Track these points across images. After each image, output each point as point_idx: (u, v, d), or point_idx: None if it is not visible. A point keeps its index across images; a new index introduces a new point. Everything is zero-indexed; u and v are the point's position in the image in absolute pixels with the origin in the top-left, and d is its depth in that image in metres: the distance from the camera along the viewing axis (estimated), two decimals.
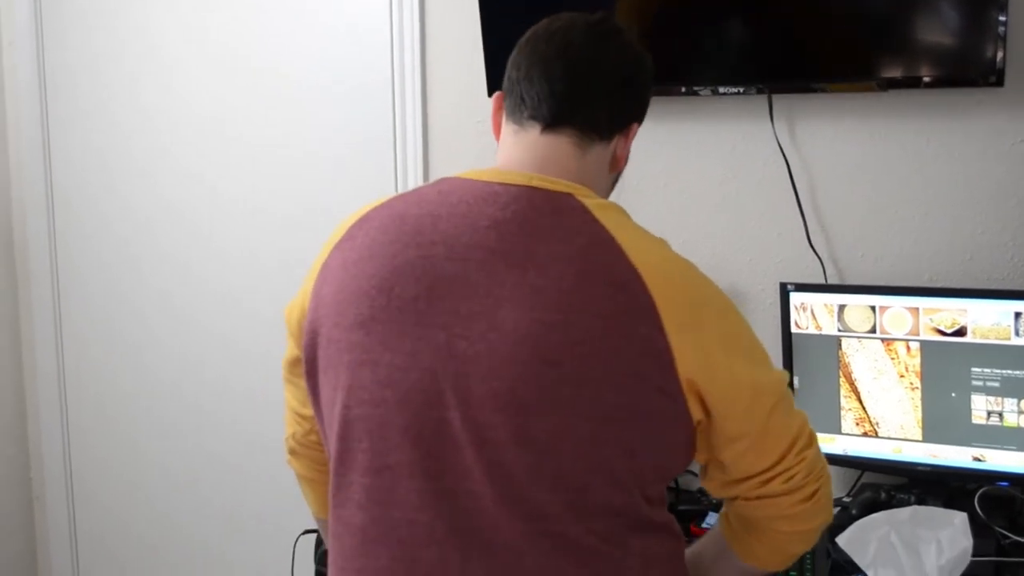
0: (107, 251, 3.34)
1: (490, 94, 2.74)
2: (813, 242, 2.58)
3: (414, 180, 2.92)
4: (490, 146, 2.77)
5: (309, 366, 1.60)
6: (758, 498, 1.55)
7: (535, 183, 1.51)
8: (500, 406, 1.41)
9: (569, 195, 1.50)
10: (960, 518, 1.93)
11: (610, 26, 1.60)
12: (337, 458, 1.54)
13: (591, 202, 1.50)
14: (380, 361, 1.48)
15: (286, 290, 2.88)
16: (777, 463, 1.52)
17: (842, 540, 1.99)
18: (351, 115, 2.98)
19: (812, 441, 1.56)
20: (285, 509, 3.16)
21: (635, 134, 1.62)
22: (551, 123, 1.55)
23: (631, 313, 1.42)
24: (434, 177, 2.84)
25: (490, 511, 1.43)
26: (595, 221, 1.48)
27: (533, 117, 1.56)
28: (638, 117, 1.62)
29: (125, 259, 3.31)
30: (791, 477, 1.53)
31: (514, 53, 1.60)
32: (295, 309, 1.64)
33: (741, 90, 2.54)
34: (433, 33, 2.90)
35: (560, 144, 1.55)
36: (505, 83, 1.61)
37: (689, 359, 1.43)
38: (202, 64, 3.13)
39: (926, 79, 2.38)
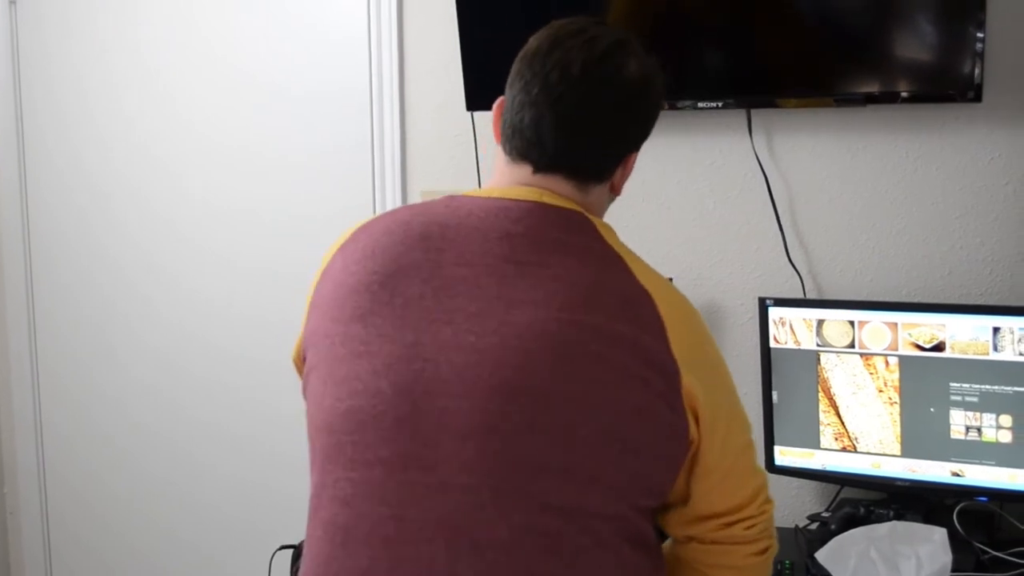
0: (83, 254, 3.31)
1: (469, 107, 2.73)
2: (792, 257, 2.57)
3: (392, 190, 2.91)
4: (469, 159, 2.80)
5: (304, 369, 1.56)
6: (714, 542, 1.54)
7: (545, 200, 1.51)
8: (510, 395, 1.39)
9: (579, 212, 1.51)
10: (940, 533, 1.92)
11: (612, 61, 1.53)
12: (323, 452, 1.48)
13: (595, 220, 1.53)
14: (379, 352, 1.44)
15: (264, 293, 3.06)
16: (742, 507, 1.53)
17: (821, 556, 1.98)
18: (329, 124, 2.97)
19: (771, 502, 1.58)
20: (261, 526, 3.16)
21: (635, 161, 1.61)
22: (541, 169, 1.55)
23: (642, 325, 1.42)
24: (413, 189, 2.87)
25: (484, 507, 1.38)
26: (601, 238, 1.50)
27: (525, 157, 1.56)
28: (638, 144, 1.60)
29: (102, 262, 3.28)
30: (752, 526, 1.53)
31: (514, 65, 1.58)
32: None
33: (719, 105, 2.53)
34: (412, 46, 2.88)
35: (555, 183, 1.55)
36: (505, 93, 1.59)
37: (690, 379, 1.44)
38: (181, 70, 3.12)
39: (904, 94, 2.38)
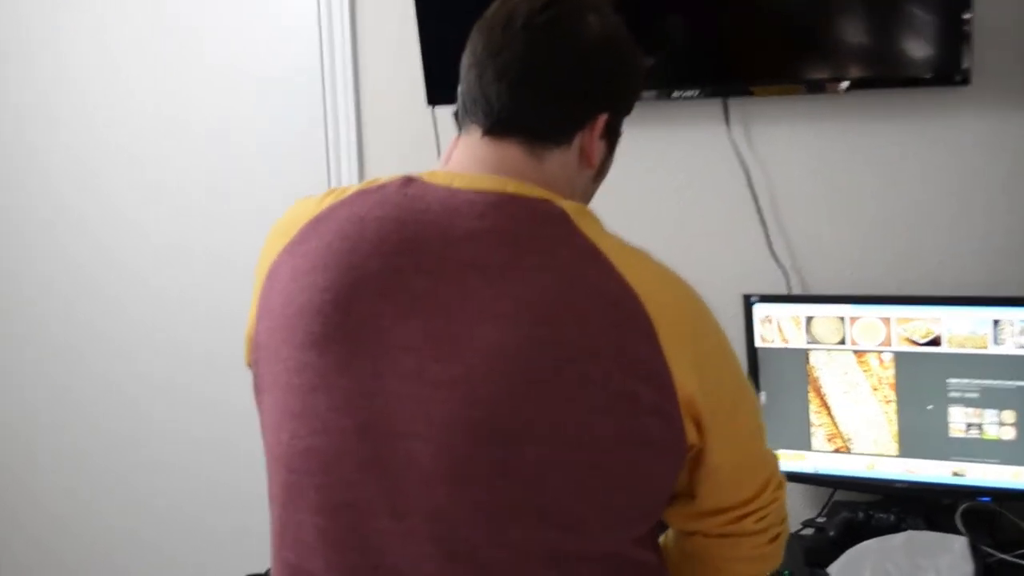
0: (36, 245, 3.25)
1: (430, 101, 2.61)
2: (775, 251, 2.48)
3: (348, 165, 2.85)
4: (430, 153, 2.67)
5: (256, 380, 1.44)
6: (722, 536, 1.44)
7: (511, 189, 1.36)
8: (481, 437, 1.27)
9: (547, 201, 1.36)
10: (960, 543, 1.82)
11: (559, 9, 1.41)
12: (284, 489, 1.37)
13: (569, 206, 1.37)
14: (336, 386, 1.32)
15: (220, 288, 2.99)
16: (753, 499, 1.43)
17: (834, 570, 1.87)
18: (280, 114, 2.91)
19: (783, 486, 1.48)
20: (224, 556, 3.06)
21: (603, 125, 1.45)
22: (490, 130, 1.41)
23: (625, 331, 1.29)
24: (370, 164, 2.79)
25: (458, 558, 1.28)
26: (576, 229, 1.34)
27: (473, 118, 1.43)
28: (606, 106, 1.45)
29: (53, 251, 3.23)
30: (764, 516, 1.44)
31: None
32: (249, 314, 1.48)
33: (695, 93, 2.42)
34: (366, 37, 2.76)
35: (507, 151, 1.41)
36: None
37: (687, 376, 1.31)
38: (134, 59, 3.06)
39: (889, 79, 2.29)
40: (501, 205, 1.34)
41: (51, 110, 3.16)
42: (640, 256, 1.37)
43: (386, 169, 2.75)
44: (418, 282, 1.31)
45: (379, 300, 1.31)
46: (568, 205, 1.36)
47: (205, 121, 2.99)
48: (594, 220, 1.38)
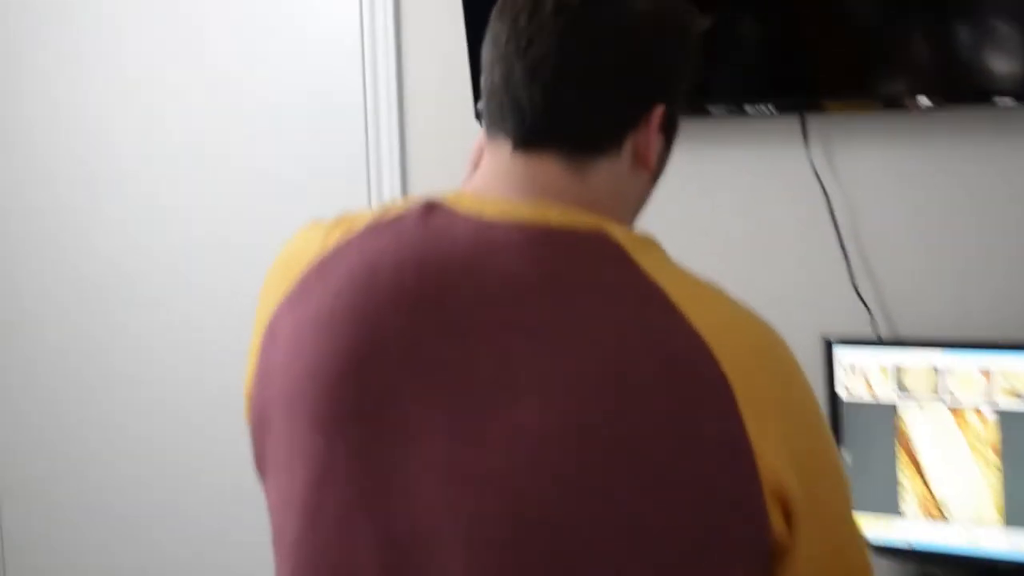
0: (46, 260, 3.08)
1: (479, 116, 2.38)
2: (859, 288, 2.22)
3: (390, 190, 2.65)
4: None
5: (257, 453, 1.21)
6: None
7: (554, 220, 1.11)
8: (527, 548, 1.03)
9: (599, 232, 1.11)
10: None
11: None
12: None
13: (626, 237, 1.12)
14: (347, 479, 1.09)
15: (240, 319, 2.81)
16: None
17: None
18: (318, 129, 2.71)
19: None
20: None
21: (660, 118, 1.18)
22: (523, 143, 1.16)
23: (697, 401, 1.04)
24: (414, 187, 2.50)
25: None
26: (636, 269, 1.09)
27: (501, 128, 1.18)
28: (663, 95, 1.18)
29: (64, 268, 3.06)
30: None
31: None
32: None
33: (770, 108, 2.16)
34: (410, 47, 2.54)
35: (544, 167, 1.15)
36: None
37: (775, 453, 1.05)
38: (163, 73, 2.89)
39: (994, 95, 1.99)
40: (543, 242, 1.10)
41: (67, 133, 3.01)
42: (713, 297, 1.11)
43: (432, 188, 2.54)
44: (445, 347, 1.07)
45: (397, 370, 1.08)
46: (624, 236, 1.12)
47: (238, 139, 2.82)
48: (655, 251, 1.13)
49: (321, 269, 1.16)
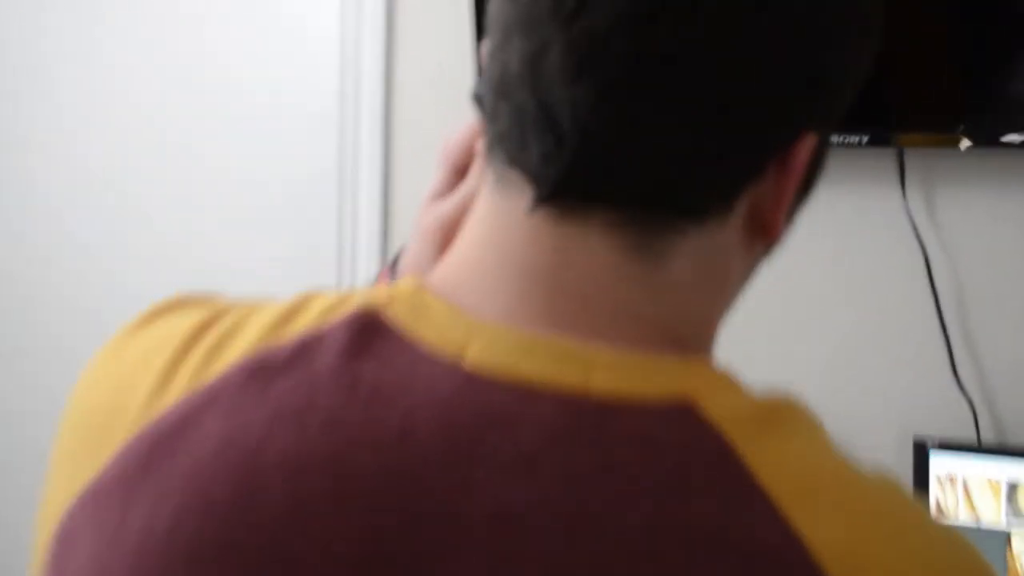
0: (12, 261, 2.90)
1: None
2: (961, 377, 1.80)
3: (368, 223, 2.25)
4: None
5: None
6: None
7: (598, 384, 0.60)
8: None
9: (684, 406, 0.61)
10: None
11: None
12: None
13: (730, 415, 0.61)
14: None
15: None
16: None
17: None
18: (289, 140, 2.43)
19: None
20: None
21: (808, 155, 0.65)
22: (553, 195, 0.63)
23: None
24: (397, 217, 2.19)
25: None
26: (750, 481, 0.60)
27: (516, 163, 0.64)
28: (817, 118, 0.66)
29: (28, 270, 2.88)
30: None
31: None
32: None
33: (858, 140, 1.75)
34: (400, 53, 2.19)
35: (586, 247, 0.64)
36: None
37: None
38: (131, 70, 2.69)
39: None
40: (583, 436, 0.59)
41: (26, 122, 2.83)
42: (894, 526, 0.61)
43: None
44: None
45: None
46: (727, 413, 0.61)
47: (207, 136, 2.60)
48: (785, 429, 0.62)
49: (152, 453, 0.63)
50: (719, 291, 0.67)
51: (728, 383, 0.62)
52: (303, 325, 0.64)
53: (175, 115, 2.63)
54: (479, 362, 0.61)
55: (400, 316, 0.63)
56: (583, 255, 0.63)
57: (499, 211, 0.65)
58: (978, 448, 1.64)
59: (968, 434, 1.79)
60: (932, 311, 1.82)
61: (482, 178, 0.67)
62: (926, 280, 1.82)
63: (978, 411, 1.79)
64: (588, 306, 0.63)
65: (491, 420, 0.59)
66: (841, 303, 1.90)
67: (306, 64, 2.37)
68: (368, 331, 0.63)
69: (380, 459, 0.58)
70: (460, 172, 0.79)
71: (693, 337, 0.65)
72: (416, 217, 0.79)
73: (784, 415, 0.62)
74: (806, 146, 0.64)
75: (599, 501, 0.56)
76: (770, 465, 0.59)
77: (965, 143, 1.70)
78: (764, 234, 0.66)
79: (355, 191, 2.27)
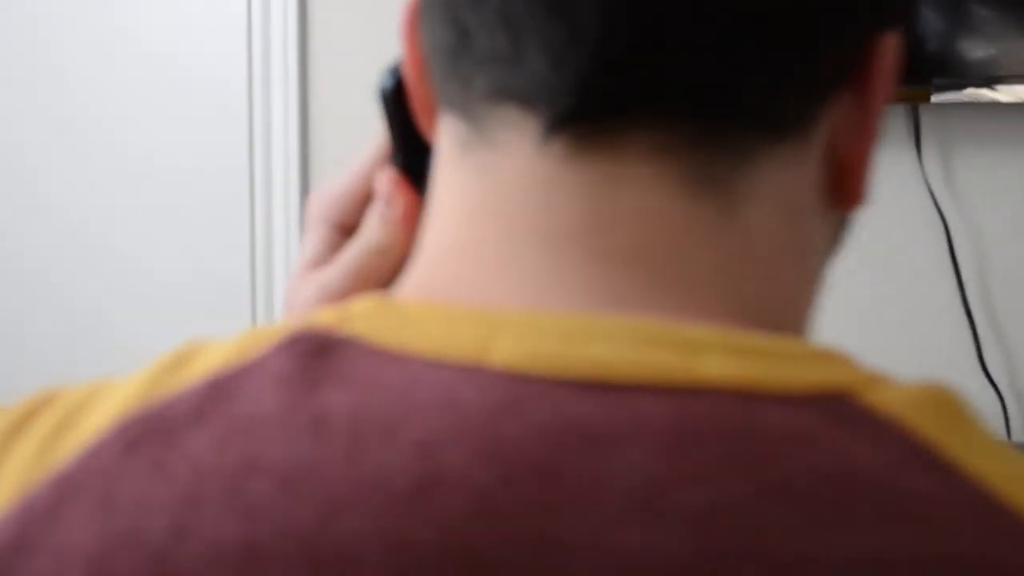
0: None
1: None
2: (986, 361, 1.73)
3: (283, 214, 2.15)
4: None
5: None
6: None
7: (711, 366, 0.40)
8: None
9: (840, 399, 0.40)
10: None
11: None
12: None
13: (903, 400, 0.40)
14: None
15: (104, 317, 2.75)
16: None
17: None
18: (189, 115, 2.36)
19: None
20: None
21: (890, 58, 0.46)
22: (576, 109, 0.42)
23: None
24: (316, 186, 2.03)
25: None
26: (978, 493, 0.38)
27: (504, 91, 0.44)
28: (891, 13, 0.47)
29: None
30: None
31: None
32: None
33: None
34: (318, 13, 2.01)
35: (629, 184, 0.43)
36: None
37: None
38: (33, 56, 2.55)
39: None
40: (716, 453, 0.39)
41: None
42: None
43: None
44: None
45: None
46: (903, 400, 0.41)
47: (113, 124, 2.49)
48: (978, 423, 0.43)
49: (45, 526, 0.42)
50: (802, 259, 0.49)
51: (872, 370, 0.43)
52: (202, 369, 0.43)
53: (82, 97, 2.51)
54: (513, 358, 0.41)
55: (368, 331, 0.43)
56: (627, 197, 0.45)
57: (485, 171, 0.46)
58: (1008, 444, 1.50)
59: (996, 423, 1.75)
60: (953, 288, 1.73)
61: (439, 119, 0.48)
62: (947, 255, 1.72)
63: (1007, 404, 1.73)
64: (646, 268, 0.45)
65: (566, 438, 0.39)
66: (853, 279, 1.79)
67: (215, 51, 2.29)
68: (320, 353, 0.43)
69: (397, 535, 0.37)
70: (345, 230, 0.58)
71: (784, 317, 0.46)
72: (286, 295, 0.58)
73: (960, 405, 0.43)
74: (888, 47, 0.47)
75: (777, 538, 0.37)
76: (995, 471, 0.41)
77: (995, 94, 1.54)
78: (846, 181, 0.48)
79: (267, 168, 2.20)
